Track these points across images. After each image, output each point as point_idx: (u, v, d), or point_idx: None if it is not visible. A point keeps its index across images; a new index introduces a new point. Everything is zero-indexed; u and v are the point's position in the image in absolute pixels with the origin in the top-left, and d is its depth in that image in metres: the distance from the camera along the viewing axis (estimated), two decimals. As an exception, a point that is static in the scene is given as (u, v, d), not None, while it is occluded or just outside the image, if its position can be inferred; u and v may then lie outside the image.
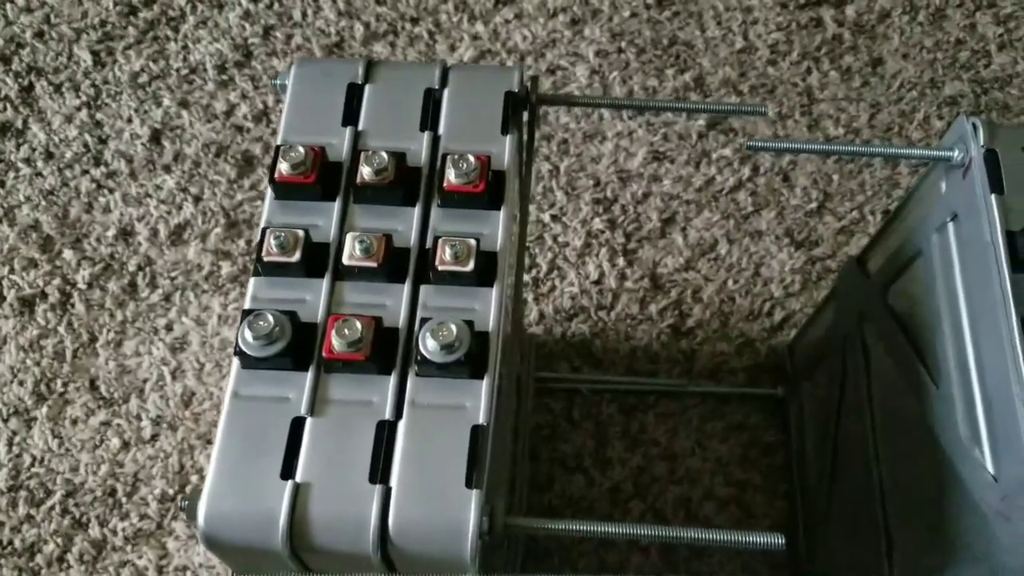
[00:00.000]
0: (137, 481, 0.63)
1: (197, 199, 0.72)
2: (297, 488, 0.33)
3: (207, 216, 0.71)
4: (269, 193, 0.39)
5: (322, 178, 0.39)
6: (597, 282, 0.71)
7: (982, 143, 0.42)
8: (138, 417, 0.65)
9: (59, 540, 0.60)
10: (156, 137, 0.74)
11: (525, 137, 0.44)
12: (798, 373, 0.66)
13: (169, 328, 0.67)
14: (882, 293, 0.52)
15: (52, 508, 0.61)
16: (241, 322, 0.35)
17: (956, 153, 0.44)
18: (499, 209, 0.39)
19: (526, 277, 0.71)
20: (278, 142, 0.40)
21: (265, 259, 0.37)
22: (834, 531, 0.58)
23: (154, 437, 0.64)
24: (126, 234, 0.70)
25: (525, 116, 0.43)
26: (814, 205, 0.74)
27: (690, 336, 0.69)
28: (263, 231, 0.37)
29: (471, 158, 0.38)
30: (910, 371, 0.48)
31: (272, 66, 0.78)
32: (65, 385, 0.65)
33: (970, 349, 0.42)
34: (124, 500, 0.62)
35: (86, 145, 0.74)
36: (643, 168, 0.75)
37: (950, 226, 0.45)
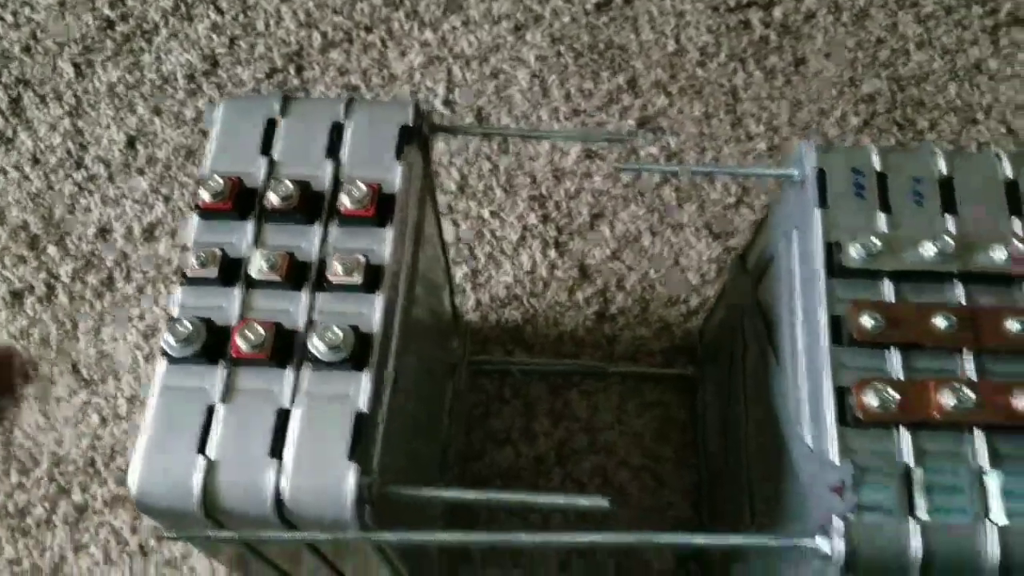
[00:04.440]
0: (114, 452, 0.71)
1: (167, 199, 0.79)
2: (209, 462, 0.41)
3: (176, 215, 0.78)
4: (195, 217, 0.46)
5: (238, 204, 0.46)
6: (530, 272, 0.78)
7: (815, 163, 0.49)
8: (115, 396, 0.72)
9: (46, 504, 0.69)
10: (131, 143, 0.82)
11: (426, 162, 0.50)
12: (706, 355, 0.73)
13: (142, 317, 0.75)
14: (754, 287, 0.59)
15: (40, 477, 0.70)
16: (166, 328, 0.42)
17: (796, 172, 0.50)
18: (386, 228, 0.46)
19: (465, 268, 0.78)
20: (204, 172, 0.47)
21: (189, 274, 0.44)
22: (722, 492, 0.65)
23: (129, 414, 0.72)
24: (104, 232, 0.78)
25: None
26: (732, 199, 0.80)
27: (613, 321, 0.76)
28: (186, 250, 0.44)
29: (362, 186, 0.45)
30: (765, 356, 0.55)
31: (237, 74, 0.85)
32: (50, 368, 0.73)
33: (800, 342, 0.49)
34: (103, 469, 0.70)
35: (69, 151, 0.81)
36: (576, 166, 0.81)
37: (794, 234, 0.51)
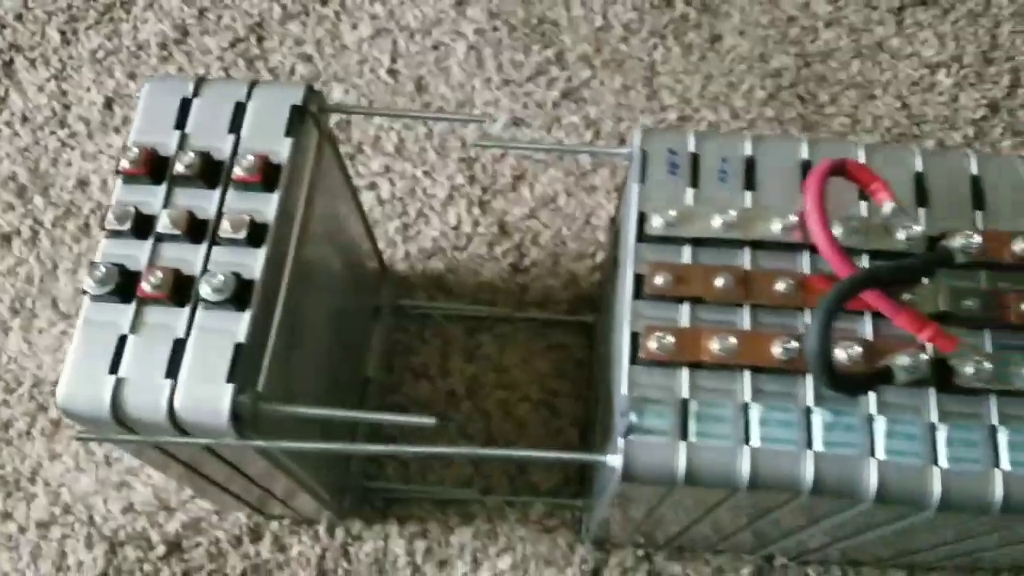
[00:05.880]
0: (87, 377, 0.82)
1: (139, 156, 0.89)
2: (118, 380, 0.51)
3: (145, 170, 0.89)
4: (119, 180, 0.56)
5: (151, 170, 0.56)
6: (455, 227, 0.87)
7: (639, 145, 0.58)
8: (88, 328, 0.84)
9: (27, 419, 0.80)
10: (109, 104, 0.92)
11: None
12: (600, 303, 0.82)
13: (114, 260, 0.86)
14: (614, 246, 0.68)
15: (22, 395, 0.81)
16: (87, 271, 0.53)
17: (627, 151, 0.59)
18: (273, 192, 0.55)
19: (397, 222, 0.87)
20: (129, 142, 0.57)
21: (107, 227, 0.54)
22: (593, 420, 0.75)
23: (100, 344, 0.83)
24: (83, 184, 0.89)
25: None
26: (641, 165, 0.89)
27: (526, 273, 0.86)
28: (108, 208, 0.55)
29: (251, 157, 0.55)
30: (611, 304, 0.64)
31: (204, 43, 0.94)
32: (33, 303, 0.84)
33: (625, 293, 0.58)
34: (77, 391, 0.81)
35: (53, 111, 0.92)
36: (503, 132, 0.90)
37: (630, 203, 0.60)
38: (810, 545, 0.71)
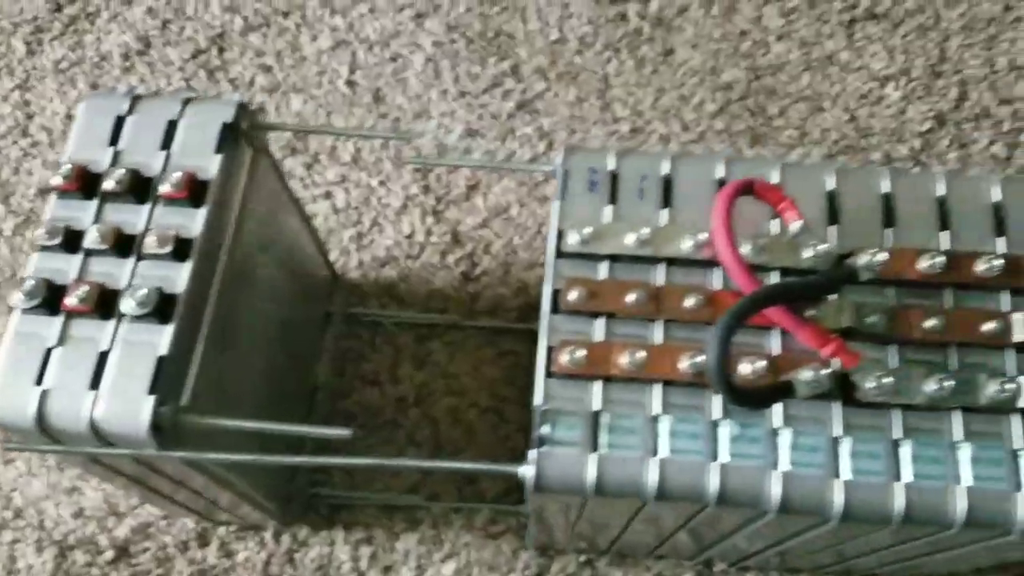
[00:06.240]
0: (43, 383, 0.84)
1: (100, 166, 0.91)
2: (44, 392, 0.53)
3: (104, 180, 0.90)
4: (53, 195, 0.58)
5: (83, 186, 0.57)
6: (409, 236, 0.89)
7: (562, 163, 0.59)
8: (46, 336, 0.85)
9: (-16, 424, 0.82)
10: (71, 114, 0.93)
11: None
12: (547, 314, 0.83)
13: (73, 268, 0.87)
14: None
15: (-20, 401, 0.83)
16: (17, 286, 0.54)
17: (552, 169, 0.60)
18: (200, 208, 0.57)
19: (352, 231, 0.89)
20: (63, 159, 0.58)
21: (39, 243, 0.56)
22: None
23: (56, 351, 0.84)
24: (43, 192, 0.90)
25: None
26: (593, 176, 0.90)
27: (477, 281, 0.87)
28: (43, 223, 0.56)
29: (178, 173, 0.57)
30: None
31: (166, 54, 0.96)
32: (-7, 310, 0.86)
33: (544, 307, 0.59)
34: (33, 397, 0.83)
35: (16, 120, 0.93)
36: (459, 142, 0.92)
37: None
38: (747, 551, 0.72)
